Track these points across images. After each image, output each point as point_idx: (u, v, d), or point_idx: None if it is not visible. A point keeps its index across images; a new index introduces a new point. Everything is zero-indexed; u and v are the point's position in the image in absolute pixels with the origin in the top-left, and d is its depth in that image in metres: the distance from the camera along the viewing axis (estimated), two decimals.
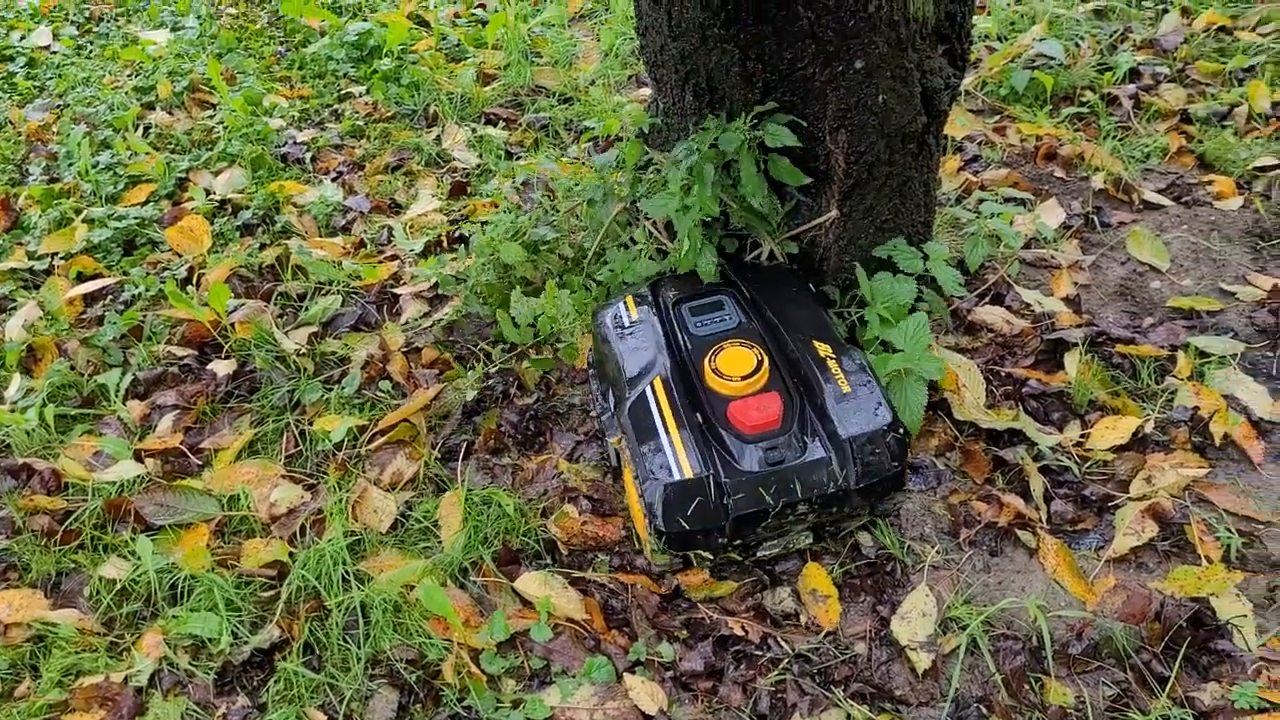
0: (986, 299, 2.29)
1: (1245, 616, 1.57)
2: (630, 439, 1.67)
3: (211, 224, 2.74)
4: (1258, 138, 2.78)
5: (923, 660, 1.56)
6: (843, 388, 1.65)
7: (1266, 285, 2.24)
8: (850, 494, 1.60)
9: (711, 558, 1.70)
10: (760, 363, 1.69)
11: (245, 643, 1.66)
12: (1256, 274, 2.31)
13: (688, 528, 1.58)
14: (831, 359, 1.70)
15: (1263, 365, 2.07)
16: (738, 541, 1.63)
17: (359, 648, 1.64)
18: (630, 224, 2.18)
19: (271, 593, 1.75)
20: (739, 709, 1.54)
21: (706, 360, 1.72)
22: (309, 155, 3.16)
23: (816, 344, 1.73)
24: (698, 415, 1.67)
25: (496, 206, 2.69)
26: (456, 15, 4.13)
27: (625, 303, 1.93)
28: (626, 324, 1.88)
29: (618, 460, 1.83)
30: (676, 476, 1.59)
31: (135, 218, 2.80)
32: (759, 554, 1.71)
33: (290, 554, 1.80)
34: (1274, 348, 2.10)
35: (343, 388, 2.15)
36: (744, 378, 1.67)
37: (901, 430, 1.63)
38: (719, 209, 1.94)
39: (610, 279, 2.10)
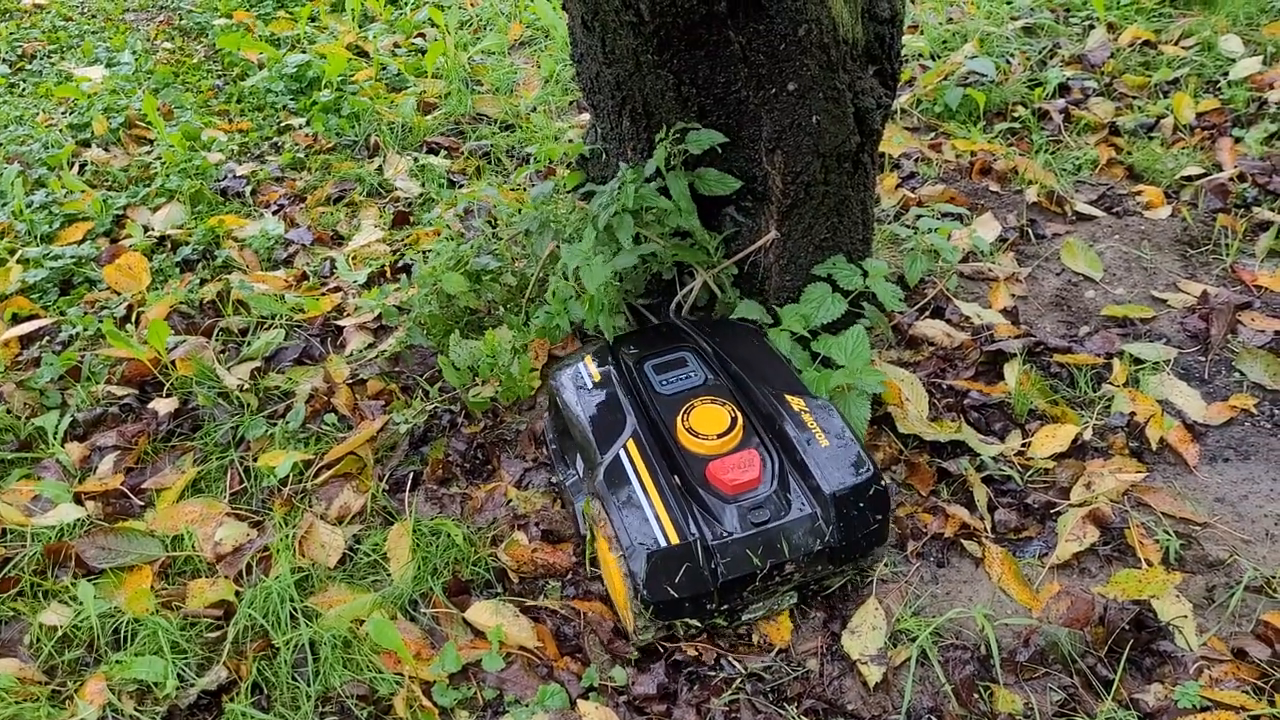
0: (927, 313, 2.32)
1: (1185, 617, 1.61)
2: (608, 505, 1.60)
3: (150, 261, 2.71)
4: (1184, 148, 2.85)
5: (874, 674, 1.57)
6: (821, 442, 1.60)
7: (1196, 291, 2.30)
8: (836, 551, 1.56)
9: (699, 625, 1.63)
10: (734, 420, 1.65)
11: (192, 685, 1.63)
12: (1186, 281, 2.37)
13: (675, 595, 1.52)
14: (806, 413, 1.66)
15: (1195, 370, 2.12)
16: (724, 606, 1.58)
17: (309, 685, 1.61)
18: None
19: (218, 633, 1.72)
20: None
21: (679, 419, 1.67)
22: (249, 189, 3.13)
23: (789, 398, 1.68)
24: (676, 477, 1.61)
25: (439, 235, 2.69)
26: (396, 45, 4.13)
27: (585, 362, 1.88)
28: (589, 385, 1.82)
29: (588, 528, 1.74)
30: (662, 543, 1.52)
31: (72, 257, 2.76)
32: (744, 618, 1.64)
33: (236, 593, 1.77)
34: (1205, 352, 2.15)
35: (287, 422, 2.12)
36: (719, 436, 1.62)
37: (884, 484, 1.59)
38: (637, 263, 1.97)
39: (546, 321, 2.10)
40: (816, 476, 1.56)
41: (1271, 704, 1.46)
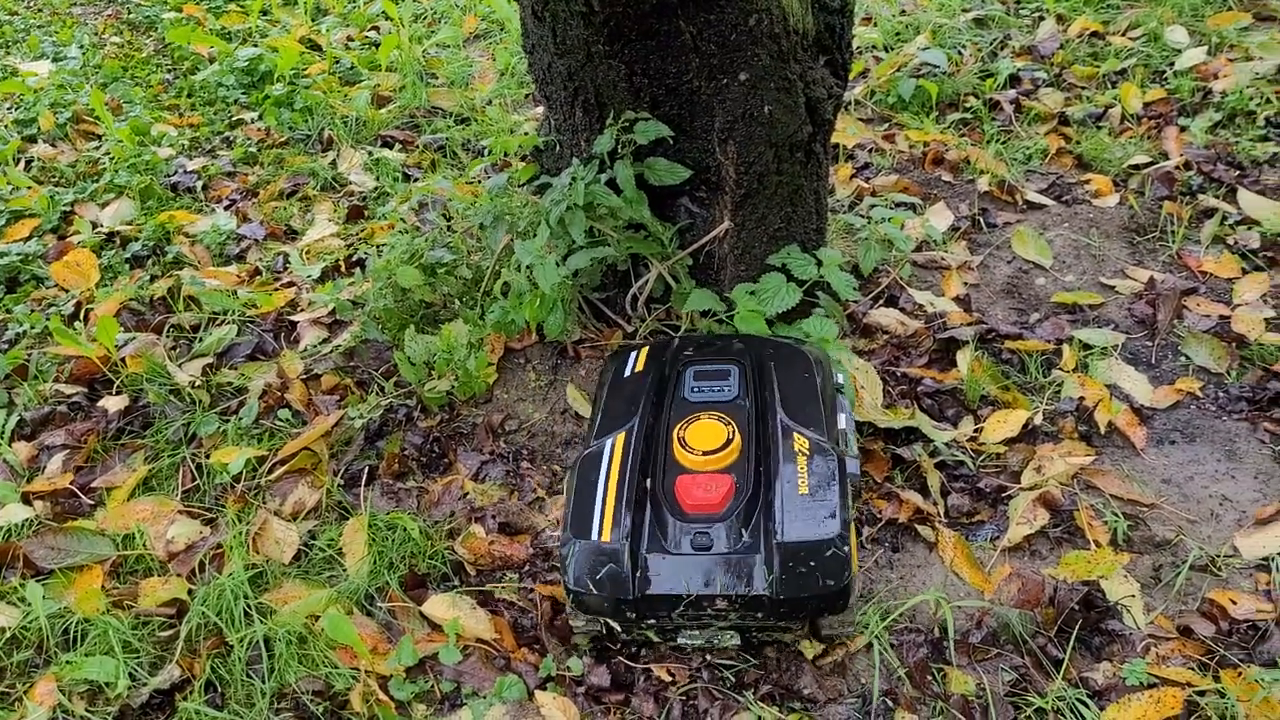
0: (881, 302, 2.34)
1: (1133, 596, 1.64)
2: (570, 488, 1.60)
3: (99, 257, 2.66)
4: (1131, 137, 2.90)
5: (829, 659, 1.59)
6: (800, 488, 1.50)
7: (1143, 278, 2.34)
8: (776, 604, 1.45)
9: (620, 631, 1.60)
10: (729, 441, 1.57)
11: (144, 685, 1.61)
12: (1134, 267, 2.41)
13: (595, 593, 1.49)
14: (804, 455, 1.55)
15: (1142, 354, 2.16)
16: (651, 621, 1.52)
17: (263, 682, 1.60)
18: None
19: (170, 632, 1.71)
20: (651, 719, 1.54)
21: (678, 428, 1.62)
22: (200, 184, 3.10)
23: (798, 435, 1.58)
24: (648, 482, 1.57)
25: (394, 229, 2.67)
26: (349, 38, 4.10)
27: (639, 354, 1.85)
28: (629, 373, 1.80)
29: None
30: (593, 539, 1.51)
31: (18, 254, 2.71)
32: (680, 640, 1.58)
33: (189, 591, 1.75)
34: (1152, 337, 2.19)
35: (240, 418, 2.10)
36: (706, 453, 1.56)
37: (847, 549, 1.45)
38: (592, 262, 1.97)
39: (501, 316, 2.09)
40: (776, 521, 1.47)
41: (1216, 680, 1.49)
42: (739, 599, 1.45)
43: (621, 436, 1.64)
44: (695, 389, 1.71)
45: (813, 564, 1.43)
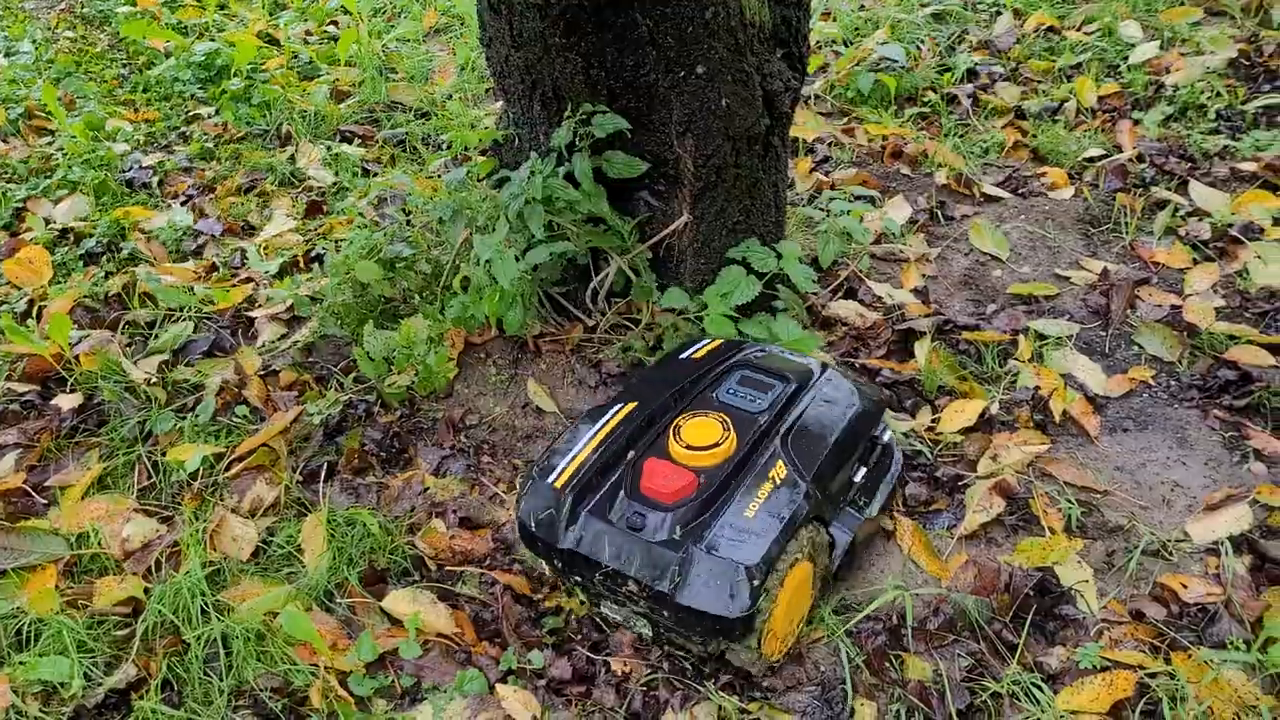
0: (840, 294, 2.36)
1: (1087, 581, 1.66)
2: (568, 427, 1.66)
3: (52, 254, 2.63)
4: (1086, 130, 2.94)
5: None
6: (748, 511, 1.47)
7: (1097, 269, 2.37)
8: (676, 607, 1.42)
9: (551, 576, 1.66)
10: (716, 444, 1.55)
11: (99, 685, 1.59)
12: (1088, 259, 2.44)
13: (532, 530, 1.54)
14: (773, 483, 1.52)
15: (1096, 344, 2.19)
16: (577, 579, 1.56)
17: (221, 680, 1.59)
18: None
19: (126, 631, 1.69)
20: (613, 710, 1.55)
21: (682, 418, 1.62)
22: (156, 180, 3.06)
23: (780, 464, 1.55)
24: (629, 453, 1.60)
25: (352, 224, 2.65)
26: (308, 32, 4.06)
27: (708, 343, 1.85)
28: (681, 357, 1.82)
29: None
30: (549, 479, 1.56)
31: None
32: (602, 609, 1.61)
33: (145, 590, 1.73)
34: (1106, 327, 2.22)
35: (197, 415, 2.08)
36: (690, 447, 1.55)
37: (757, 582, 1.40)
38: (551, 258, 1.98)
39: (461, 311, 2.08)
40: (706, 532, 1.45)
41: (1167, 662, 1.52)
42: (646, 588, 1.44)
43: (631, 406, 1.66)
44: (730, 391, 1.70)
45: (718, 583, 1.40)
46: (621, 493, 1.53)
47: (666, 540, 1.46)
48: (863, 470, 1.70)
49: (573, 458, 1.58)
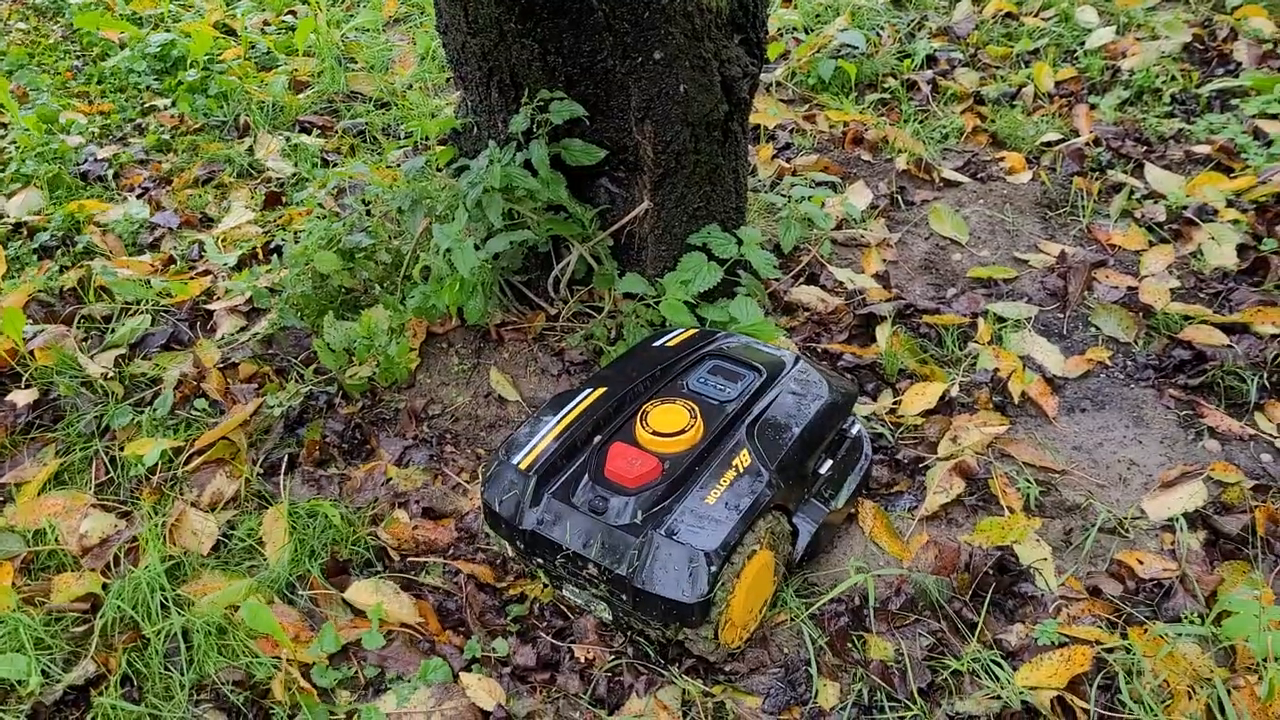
0: (801, 279, 2.37)
1: (1045, 559, 1.68)
2: (534, 413, 1.67)
3: (5, 248, 2.58)
4: (1043, 115, 2.96)
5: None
6: (709, 498, 1.47)
7: (1054, 251, 2.39)
8: (634, 591, 1.43)
9: (514, 557, 1.68)
10: (682, 431, 1.55)
11: (57, 681, 1.57)
12: (1046, 242, 2.47)
13: (497, 511, 1.54)
14: (736, 471, 1.51)
15: (1054, 326, 2.21)
16: (539, 561, 1.55)
17: (182, 674, 1.57)
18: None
19: (85, 627, 1.67)
20: (577, 696, 1.55)
21: (651, 404, 1.62)
22: (111, 172, 3.02)
23: (745, 453, 1.54)
24: (595, 438, 1.60)
25: (311, 215, 2.63)
26: (265, 22, 4.02)
27: (682, 334, 1.85)
28: (655, 344, 1.82)
29: None
30: (514, 460, 1.57)
31: None
32: (564, 592, 1.62)
33: (104, 585, 1.71)
34: (1064, 309, 2.24)
35: (155, 409, 2.06)
36: (656, 434, 1.55)
37: (714, 568, 1.40)
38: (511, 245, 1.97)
39: (422, 302, 2.07)
40: (666, 517, 1.45)
41: (1124, 637, 1.54)
42: (606, 572, 1.45)
43: (600, 392, 1.67)
44: (700, 380, 1.70)
45: (677, 568, 1.40)
46: (586, 476, 1.54)
47: (628, 524, 1.46)
48: (829, 462, 1.71)
49: (539, 440, 1.59)
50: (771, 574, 1.57)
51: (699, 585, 1.40)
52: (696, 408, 1.60)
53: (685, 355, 1.77)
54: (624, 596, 1.45)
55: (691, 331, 1.87)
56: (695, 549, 1.40)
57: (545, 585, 1.69)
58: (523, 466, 1.55)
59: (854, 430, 1.80)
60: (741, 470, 1.52)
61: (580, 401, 1.66)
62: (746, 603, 1.51)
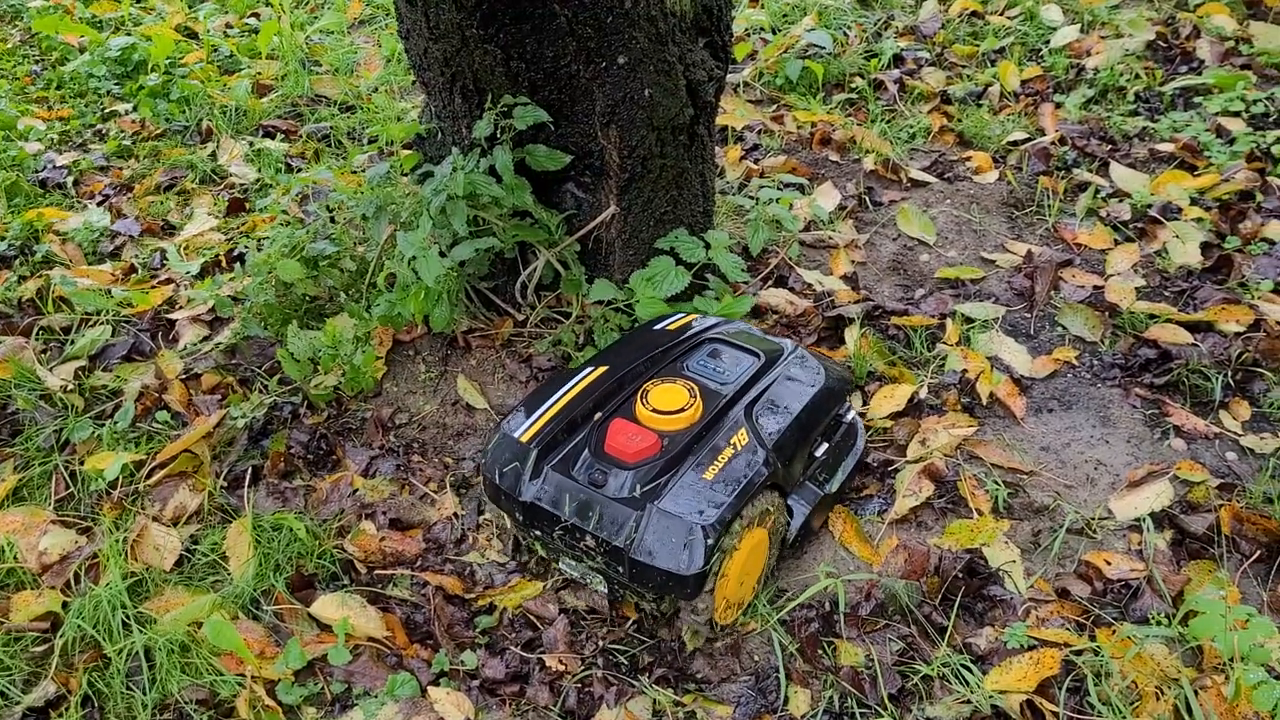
0: (770, 282, 2.36)
1: (1014, 562, 1.68)
2: (538, 385, 1.71)
3: None
4: (1010, 114, 2.97)
5: (694, 639, 1.60)
6: (707, 474, 1.50)
7: (1021, 251, 2.40)
8: (631, 562, 1.45)
9: (512, 529, 1.72)
10: (682, 410, 1.58)
11: (16, 703, 1.54)
12: (1013, 241, 2.47)
13: (496, 482, 1.58)
14: (730, 449, 1.54)
15: (1022, 326, 2.21)
16: (537, 532, 1.59)
17: (145, 694, 1.55)
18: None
19: (45, 647, 1.64)
20: (547, 709, 1.53)
21: (651, 384, 1.65)
22: (71, 179, 2.97)
23: (742, 432, 1.57)
24: (596, 415, 1.63)
25: (275, 221, 2.60)
26: (228, 25, 3.97)
27: (682, 318, 1.89)
28: (655, 329, 1.86)
29: None
30: (515, 433, 1.60)
31: None
32: (559, 566, 1.66)
33: (64, 604, 1.68)
34: (1031, 309, 2.25)
35: (115, 422, 2.02)
36: (656, 411, 1.58)
37: (710, 541, 1.43)
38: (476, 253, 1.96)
39: (388, 310, 2.05)
40: (664, 492, 1.48)
41: (1093, 639, 1.54)
42: (604, 544, 1.48)
43: (601, 370, 1.71)
44: (700, 362, 1.74)
45: (673, 540, 1.43)
46: (586, 450, 1.57)
47: (626, 498, 1.49)
48: (824, 446, 1.74)
49: (541, 414, 1.62)
50: (765, 552, 1.61)
51: (695, 558, 1.42)
52: (696, 388, 1.64)
53: (684, 339, 1.80)
54: (621, 568, 1.48)
55: (690, 317, 1.91)
56: (692, 523, 1.43)
57: (541, 559, 1.73)
58: (524, 439, 1.58)
59: (849, 416, 1.84)
60: (739, 449, 1.55)
61: (582, 379, 1.69)
62: (740, 578, 1.54)
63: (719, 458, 1.52)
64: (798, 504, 1.68)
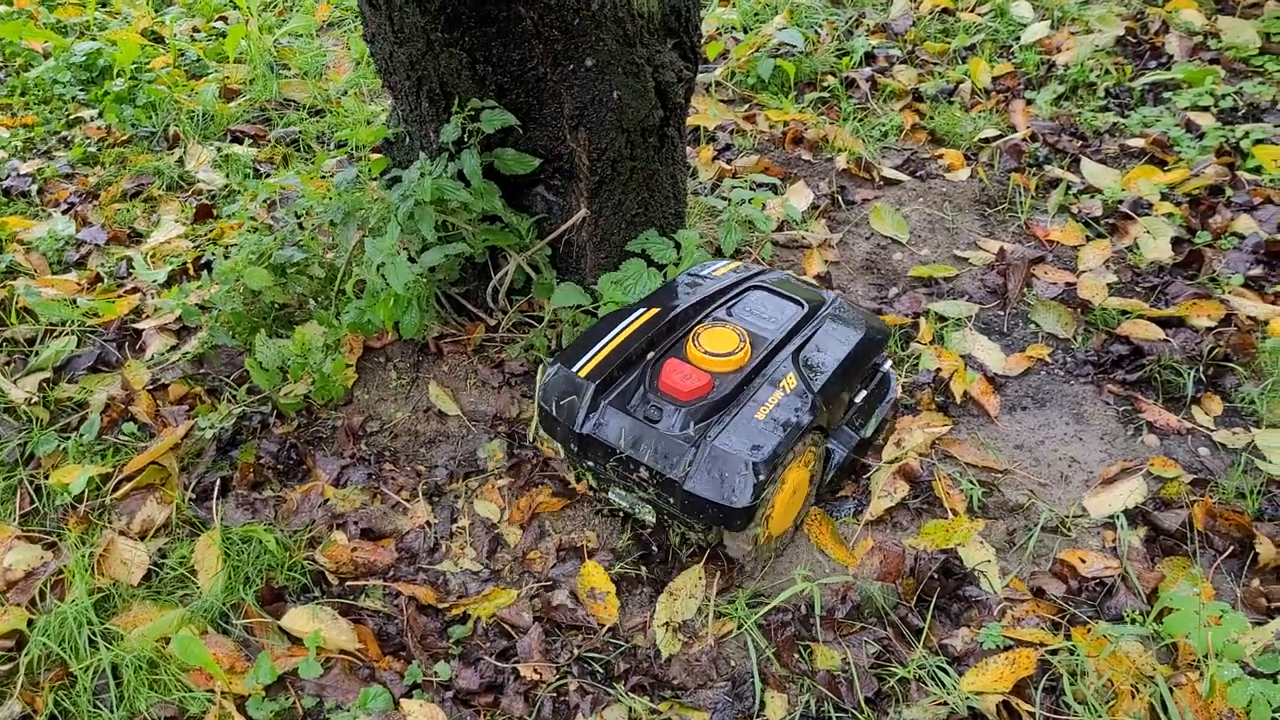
0: None
1: (989, 561, 1.68)
2: (594, 324, 1.78)
3: None
4: (981, 111, 2.97)
5: (671, 643, 1.59)
6: (759, 414, 1.55)
7: (994, 249, 2.40)
8: (684, 494, 1.51)
9: (565, 460, 1.79)
10: (733, 353, 1.63)
11: None
12: (985, 239, 2.47)
13: (553, 415, 1.63)
14: (783, 391, 1.59)
15: (995, 323, 2.21)
16: (590, 464, 1.65)
17: (112, 712, 1.52)
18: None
19: (9, 665, 1.61)
20: (522, 718, 1.52)
21: (701, 326, 1.72)
22: (35, 187, 2.93)
23: (791, 376, 1.62)
24: (650, 354, 1.68)
25: (244, 228, 2.56)
26: (195, 29, 3.93)
27: (728, 264, 1.94)
28: (702, 275, 1.89)
29: None
30: (571, 369, 1.64)
31: None
32: (610, 496, 1.72)
33: (29, 621, 1.65)
34: (1004, 306, 2.25)
35: (81, 435, 1.99)
36: (708, 353, 1.64)
37: (761, 478, 1.48)
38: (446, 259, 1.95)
39: (358, 317, 2.03)
40: (719, 428, 1.54)
41: (1068, 638, 1.54)
42: (658, 475, 1.54)
43: (654, 312, 1.76)
44: (748, 308, 1.79)
45: (725, 474, 1.49)
46: (641, 387, 1.63)
47: (680, 434, 1.54)
48: (863, 393, 1.82)
49: (596, 352, 1.67)
50: (807, 489, 1.70)
51: (745, 492, 1.48)
52: (745, 332, 1.69)
53: (731, 285, 1.85)
54: (673, 500, 1.54)
55: (735, 264, 1.95)
56: (745, 459, 1.49)
57: (591, 487, 1.81)
58: (582, 374, 1.63)
59: (885, 366, 1.91)
60: (789, 391, 1.61)
61: (635, 319, 1.74)
62: (784, 513, 1.63)
63: (770, 399, 1.58)
64: (836, 446, 1.77)
